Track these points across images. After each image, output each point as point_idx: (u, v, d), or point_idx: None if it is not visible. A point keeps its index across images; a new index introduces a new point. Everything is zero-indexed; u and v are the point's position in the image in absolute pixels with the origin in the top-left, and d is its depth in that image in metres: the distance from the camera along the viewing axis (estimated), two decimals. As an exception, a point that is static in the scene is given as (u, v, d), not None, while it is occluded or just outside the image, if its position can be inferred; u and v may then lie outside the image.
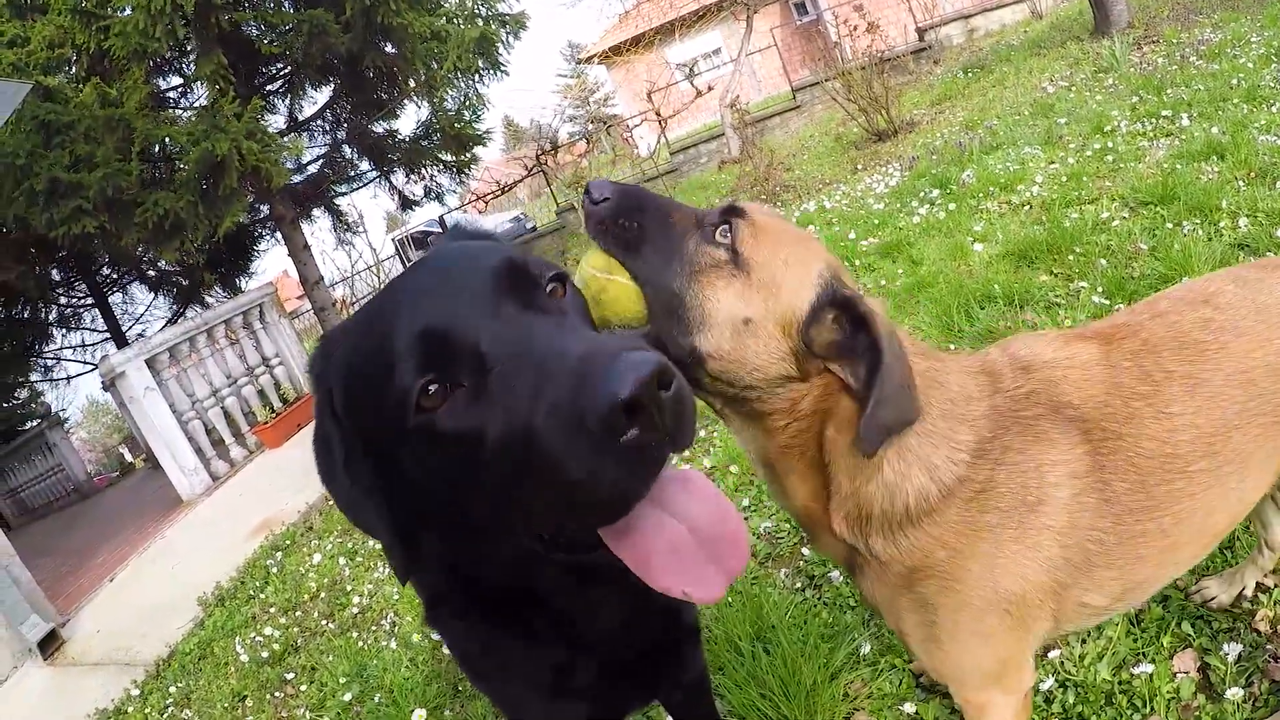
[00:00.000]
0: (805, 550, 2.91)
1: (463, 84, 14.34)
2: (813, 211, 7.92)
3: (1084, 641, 1.99)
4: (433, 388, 1.01)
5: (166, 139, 11.07)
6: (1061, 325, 3.39)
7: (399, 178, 15.90)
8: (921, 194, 6.46)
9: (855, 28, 11.38)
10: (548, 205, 23.86)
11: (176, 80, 13.05)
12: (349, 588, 4.66)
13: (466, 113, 14.63)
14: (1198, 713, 1.72)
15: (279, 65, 12.98)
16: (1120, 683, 1.84)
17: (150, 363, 8.62)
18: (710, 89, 17.52)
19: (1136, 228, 4.12)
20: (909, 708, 2.04)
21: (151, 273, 17.63)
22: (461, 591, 1.35)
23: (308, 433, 8.91)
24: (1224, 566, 2.02)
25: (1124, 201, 4.56)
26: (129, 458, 18.23)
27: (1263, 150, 4.40)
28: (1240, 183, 4.15)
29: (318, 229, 16.45)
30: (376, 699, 3.34)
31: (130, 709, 4.74)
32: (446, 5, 13.49)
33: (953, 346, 3.73)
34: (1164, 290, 1.50)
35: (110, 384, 8.95)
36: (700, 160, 17.50)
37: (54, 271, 17.04)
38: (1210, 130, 5.03)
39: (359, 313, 1.21)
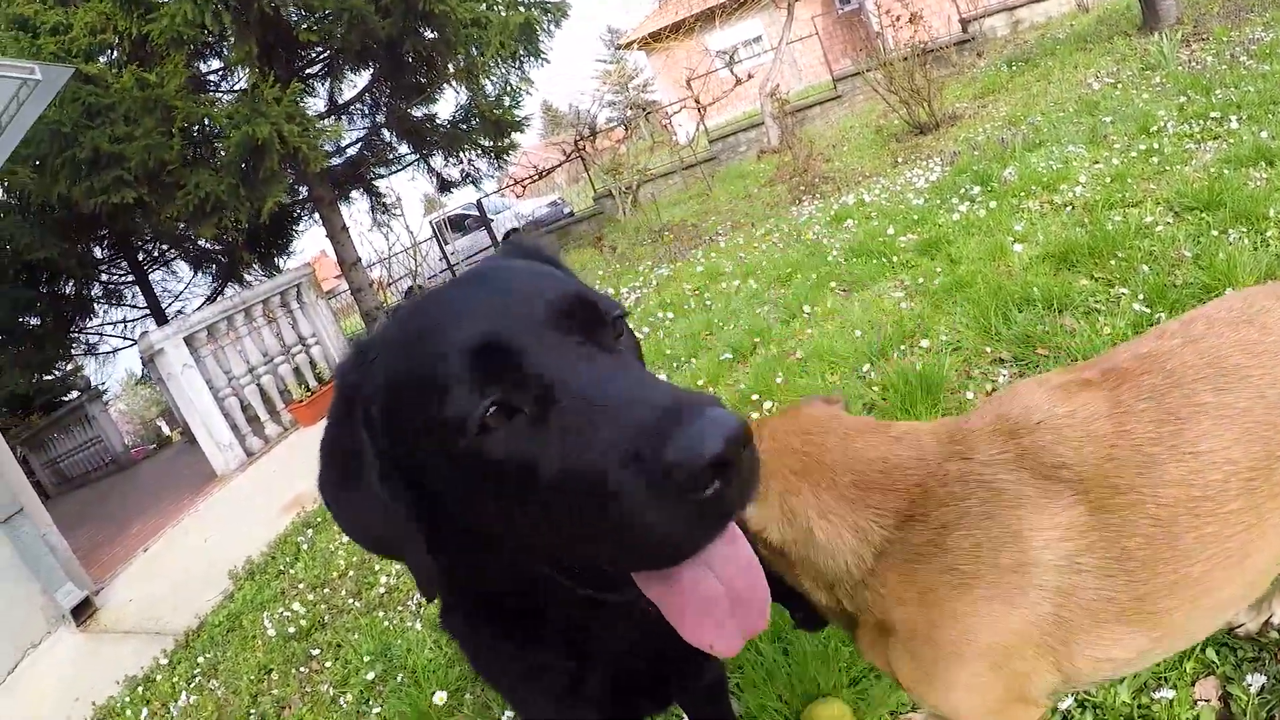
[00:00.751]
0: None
1: (503, 70, 14.40)
2: (851, 205, 7.85)
3: (1106, 660, 1.97)
4: (493, 409, 0.99)
5: (206, 120, 11.23)
6: (1100, 334, 3.33)
7: (437, 161, 16.02)
8: (962, 190, 6.37)
9: (898, 18, 11.25)
10: (585, 190, 23.87)
11: (216, 64, 13.21)
12: (377, 567, 4.71)
13: (506, 99, 14.71)
14: (1217, 743, 1.69)
15: (318, 49, 13.09)
16: (1140, 707, 1.82)
17: (189, 340, 8.76)
18: (750, 77, 17.38)
19: (1181, 234, 4.01)
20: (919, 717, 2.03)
21: (192, 251, 17.88)
22: (470, 605, 1.36)
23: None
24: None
25: (1169, 206, 4.45)
26: (166, 431, 18.53)
27: (1314, 158, 4.28)
28: (1289, 191, 4.03)
29: (356, 210, 16.60)
30: (399, 679, 3.38)
31: (159, 677, 4.84)
32: (488, -8, 13.51)
33: (989, 350, 3.68)
34: (1201, 308, 1.43)
35: (149, 360, 9.11)
36: (739, 149, 17.41)
37: (96, 249, 17.38)
38: (1260, 134, 4.88)
39: (402, 321, 1.16)
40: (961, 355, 3.77)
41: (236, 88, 12.98)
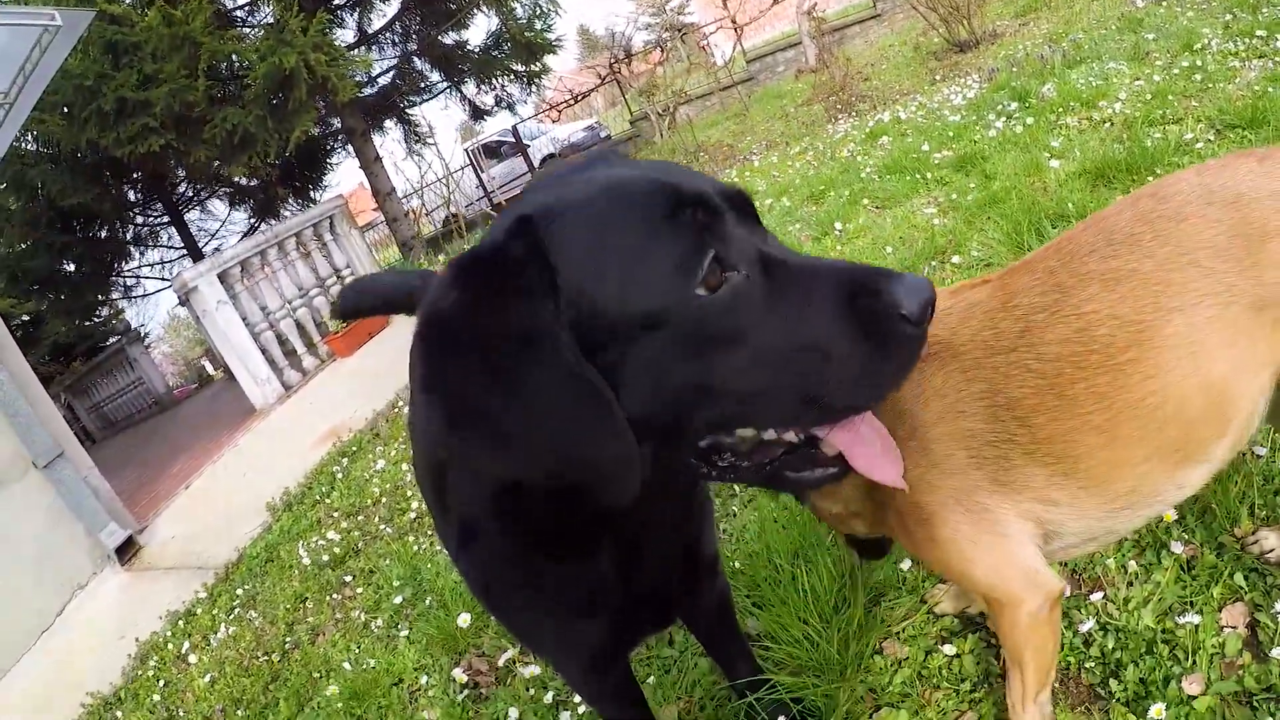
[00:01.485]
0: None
1: (533, -9, 14.18)
2: (887, 122, 7.66)
3: (1130, 585, 1.92)
4: (714, 265, 0.97)
5: (234, 55, 11.16)
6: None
7: (469, 88, 15.89)
8: (999, 107, 6.17)
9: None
10: (622, 114, 23.54)
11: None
12: (409, 493, 4.77)
13: (537, 21, 14.47)
14: (1240, 672, 1.63)
15: (347, -22, 12.93)
16: (1164, 631, 1.77)
17: (222, 277, 8.81)
18: (788, -5, 16.90)
19: (1221, 151, 3.84)
20: (948, 648, 2.01)
21: (227, 189, 17.97)
22: (518, 521, 1.26)
23: (377, 342, 9.15)
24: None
25: (1210, 123, 4.26)
26: (210, 370, 18.85)
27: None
28: (1336, 107, 3.84)
29: (389, 141, 16.53)
30: (428, 602, 3.44)
31: (199, 610, 4.98)
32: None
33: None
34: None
35: (184, 299, 9.20)
36: (777, 69, 17.06)
37: (130, 192, 17.48)
38: (1307, 52, 4.67)
39: (558, 191, 1.05)
40: (993, 270, 3.67)
41: (264, 22, 12.86)
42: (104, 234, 18.13)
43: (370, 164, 13.89)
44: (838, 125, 9.08)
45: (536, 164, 21.26)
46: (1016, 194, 4.29)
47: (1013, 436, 1.33)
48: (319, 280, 9.87)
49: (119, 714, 4.38)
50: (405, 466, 5.22)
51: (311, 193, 17.64)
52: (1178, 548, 1.94)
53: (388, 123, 15.94)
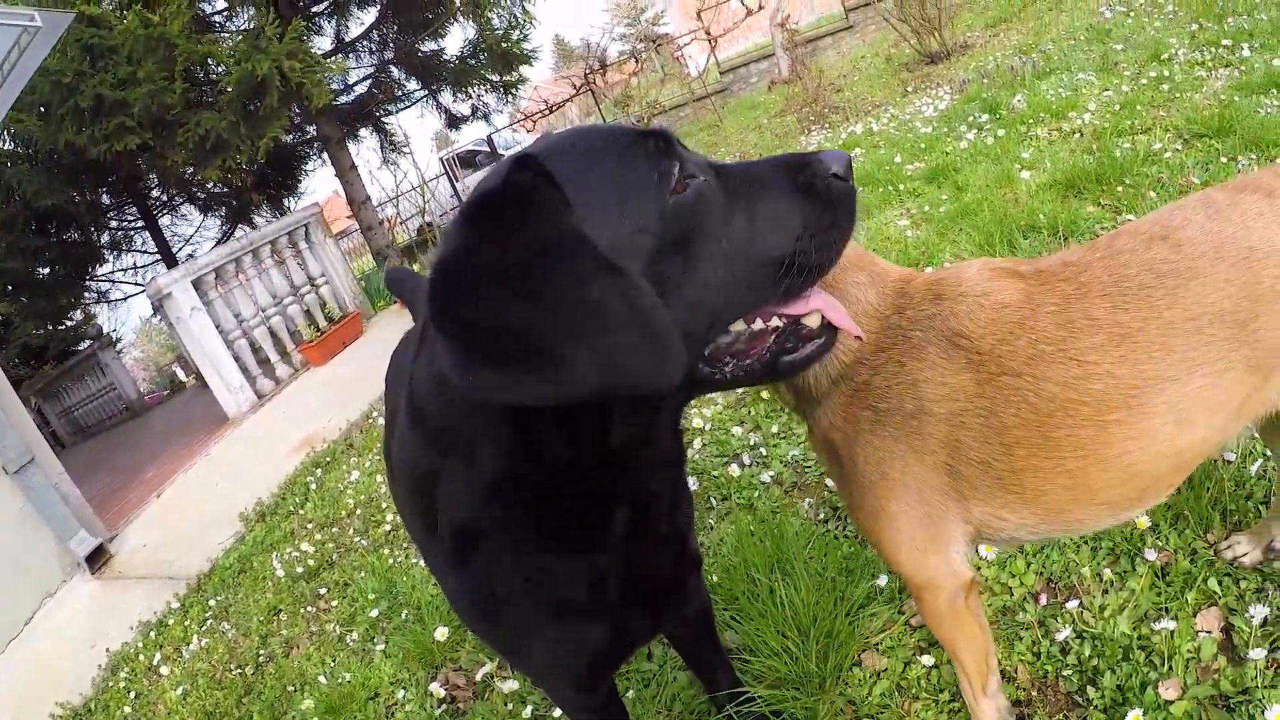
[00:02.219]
0: (829, 481, 2.88)
1: (509, 2, 14.14)
2: (860, 134, 7.71)
3: (1105, 592, 1.93)
4: (680, 174, 1.11)
5: (209, 59, 11.06)
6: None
7: (446, 97, 15.80)
8: (970, 118, 6.24)
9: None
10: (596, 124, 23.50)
11: (221, 4, 12.99)
12: (384, 505, 4.74)
13: (513, 31, 14.44)
14: (1216, 675, 1.65)
15: (324, -14, 12.87)
16: (1139, 637, 1.78)
17: (197, 283, 8.72)
18: (761, 8, 16.94)
19: (1190, 160, 3.93)
20: (926, 659, 2.02)
21: (200, 194, 17.80)
22: (513, 506, 1.26)
23: (352, 351, 9.09)
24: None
25: (1178, 133, 4.35)
26: (182, 376, 18.66)
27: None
28: (1302, 117, 3.93)
29: (364, 149, 16.46)
30: (404, 615, 3.40)
31: (171, 621, 4.91)
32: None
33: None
34: (1140, 219, 1.44)
35: (158, 305, 9.09)
36: (750, 80, 17.15)
37: (104, 195, 17.27)
38: (1271, 62, 4.77)
39: (545, 147, 1.12)
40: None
41: (242, 28, 12.76)
42: (78, 237, 17.88)
43: (345, 172, 13.79)
44: (811, 137, 9.14)
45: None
46: (988, 205, 4.35)
47: (992, 460, 1.37)
48: (293, 288, 9.78)
49: (89, 727, 4.33)
50: (379, 479, 5.18)
51: (285, 200, 17.49)
52: (1151, 555, 1.96)
53: (363, 131, 15.84)
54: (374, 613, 3.57)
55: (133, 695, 4.29)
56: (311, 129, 14.63)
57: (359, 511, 4.91)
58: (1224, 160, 3.79)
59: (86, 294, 20.01)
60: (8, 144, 14.16)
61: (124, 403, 17.30)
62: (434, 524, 1.39)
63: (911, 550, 1.48)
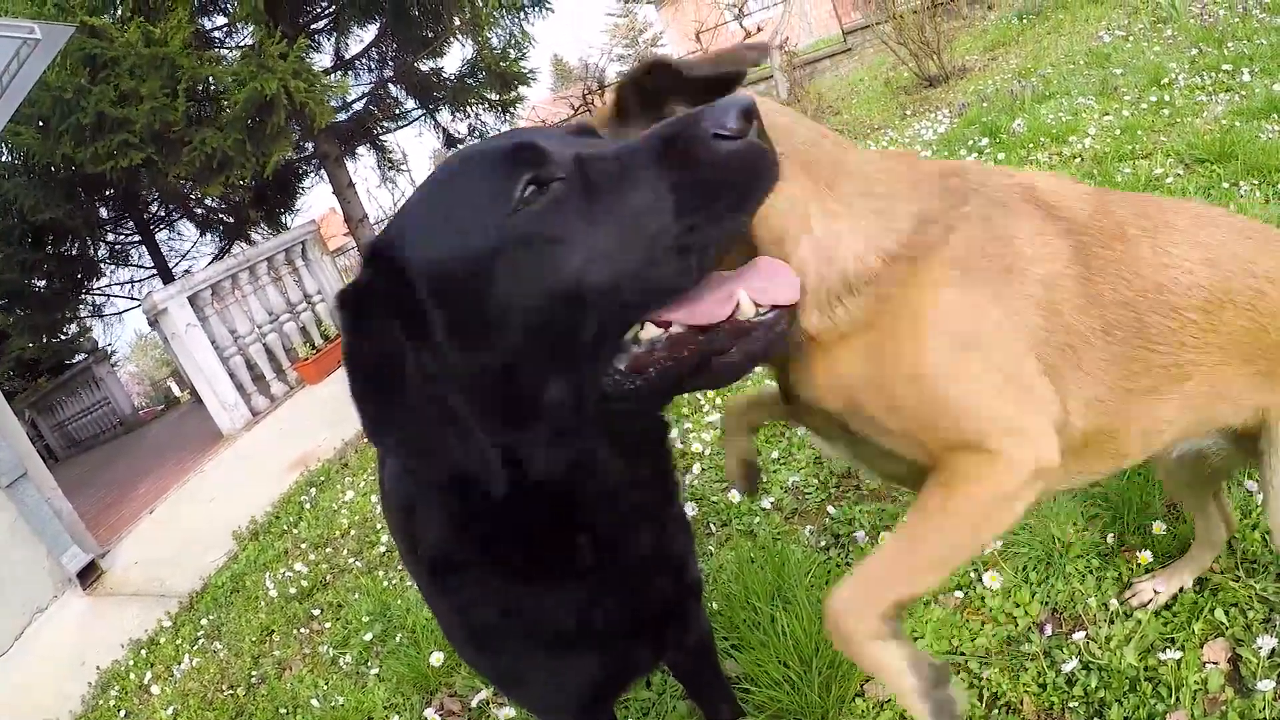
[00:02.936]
0: (831, 508, 2.86)
1: (508, 23, 14.21)
2: (859, 158, 7.71)
3: (1111, 623, 1.92)
4: (530, 187, 1.02)
5: (210, 78, 11.10)
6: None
7: (444, 116, 15.86)
8: (970, 142, 6.25)
9: (909, -32, 10.98)
10: (594, 145, 23.59)
11: (221, 20, 13.04)
12: (379, 526, 4.69)
13: (512, 51, 14.53)
14: (1224, 707, 1.63)
15: (324, 4, 12.92)
16: (1146, 669, 1.76)
17: (193, 299, 8.70)
18: (760, 30, 17.08)
19: (1191, 186, 3.94)
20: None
21: (198, 210, 17.83)
22: (496, 514, 1.23)
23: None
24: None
25: (1179, 158, 4.37)
26: (176, 392, 18.62)
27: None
28: (1303, 143, 3.95)
29: (362, 167, 16.45)
30: (398, 639, 3.36)
31: (163, 639, 4.85)
32: (492, -58, 13.36)
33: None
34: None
35: (154, 320, 9.06)
36: (747, 103, 17.20)
37: (102, 209, 17.28)
38: (1272, 87, 4.79)
39: (419, 196, 1.14)
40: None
41: (242, 44, 12.81)
42: (75, 251, 17.90)
43: (343, 189, 13.82)
44: (811, 158, 9.12)
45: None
46: (989, 229, 4.33)
47: (1090, 336, 1.29)
48: (289, 305, 9.77)
49: (77, 746, 4.28)
50: (374, 499, 5.14)
51: (282, 217, 17.52)
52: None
53: (361, 149, 15.90)
54: (368, 635, 3.52)
55: (122, 714, 4.23)
56: (309, 146, 14.67)
57: (353, 532, 4.86)
58: (1225, 185, 3.80)
59: (82, 307, 20.05)
60: (5, 156, 14.19)
61: (118, 417, 17.26)
62: (415, 546, 1.40)
63: (1002, 402, 1.24)
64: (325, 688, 3.34)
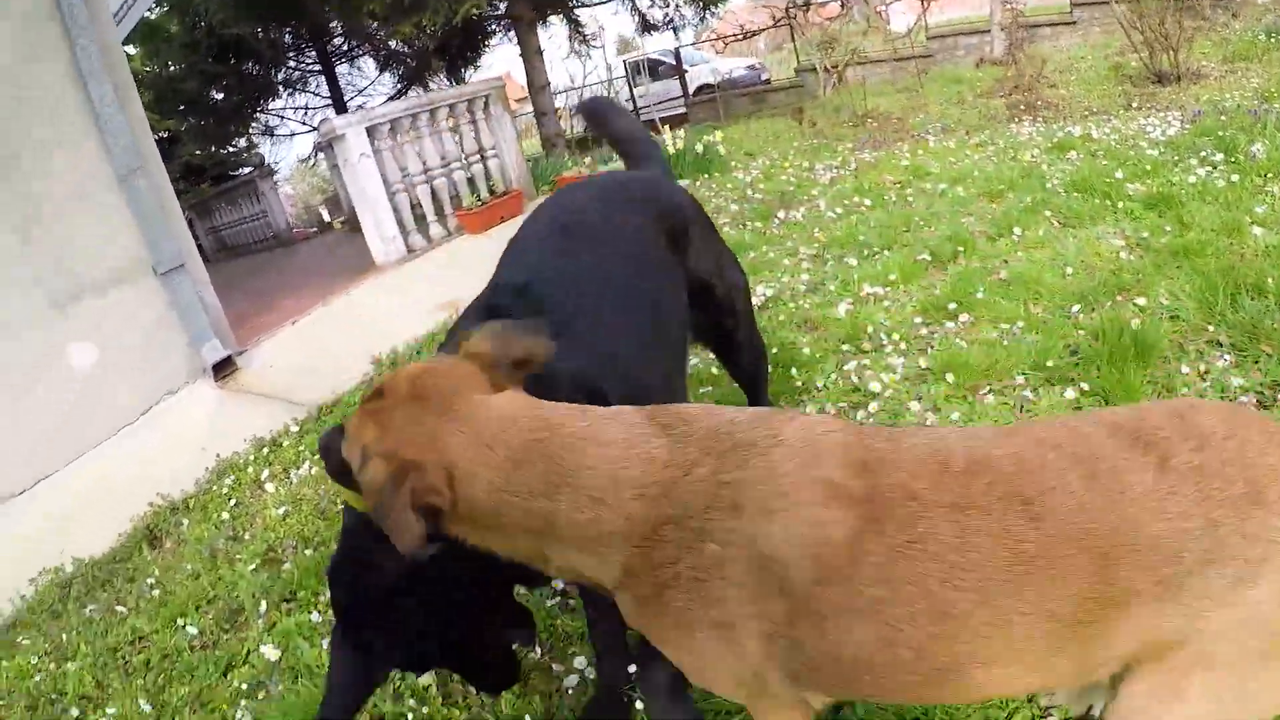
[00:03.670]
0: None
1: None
2: (1077, 137, 7.27)
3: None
4: None
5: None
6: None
7: (644, 0, 15.59)
8: (1203, 154, 5.77)
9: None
10: (787, 61, 22.99)
11: None
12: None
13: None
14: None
15: None
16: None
17: (370, 131, 8.83)
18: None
19: None
20: None
21: (382, 50, 18.11)
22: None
23: (509, 226, 9.08)
24: None
25: None
26: (327, 218, 19.15)
27: None
28: None
29: (554, 34, 16.21)
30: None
31: (285, 443, 5.03)
32: None
33: (1209, 328, 3.35)
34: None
35: (327, 145, 9.22)
36: (957, 52, 16.55)
37: (287, 35, 17.73)
38: None
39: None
40: (1179, 325, 3.46)
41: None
42: (256, 71, 18.48)
43: (531, 55, 13.82)
44: (1020, 127, 8.68)
45: (691, 91, 20.95)
46: (1213, 250, 4.00)
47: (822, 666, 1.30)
48: (462, 154, 9.80)
49: (185, 521, 4.46)
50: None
51: (462, 70, 17.69)
52: None
53: (554, 18, 15.80)
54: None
55: (233, 503, 4.42)
56: (502, 6, 14.66)
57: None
58: None
59: (254, 125, 20.78)
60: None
61: (273, 230, 17.86)
62: None
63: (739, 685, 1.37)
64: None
